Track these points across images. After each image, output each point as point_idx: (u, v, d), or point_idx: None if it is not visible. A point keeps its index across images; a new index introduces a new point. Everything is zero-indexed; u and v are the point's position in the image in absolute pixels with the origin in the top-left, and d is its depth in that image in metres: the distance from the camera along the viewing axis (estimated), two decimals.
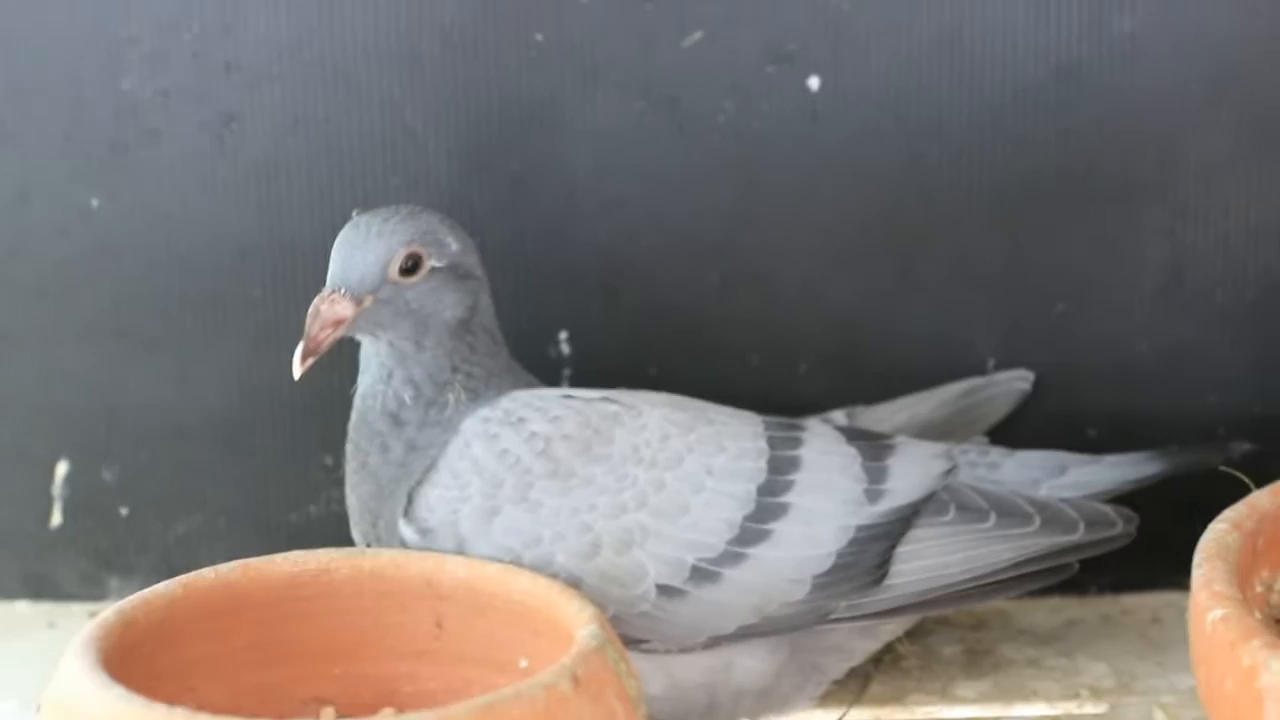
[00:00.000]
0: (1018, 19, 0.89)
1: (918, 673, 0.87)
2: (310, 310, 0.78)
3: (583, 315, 0.92)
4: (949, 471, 0.83)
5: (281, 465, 0.93)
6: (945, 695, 0.85)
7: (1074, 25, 0.89)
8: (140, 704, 0.66)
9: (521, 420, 0.80)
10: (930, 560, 0.81)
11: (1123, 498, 0.85)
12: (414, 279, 0.79)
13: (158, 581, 0.75)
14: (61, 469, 0.94)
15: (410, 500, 0.79)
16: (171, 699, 0.67)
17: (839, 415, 0.89)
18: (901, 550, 0.81)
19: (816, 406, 0.89)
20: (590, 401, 0.81)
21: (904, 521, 0.81)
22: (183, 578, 0.75)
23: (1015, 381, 0.92)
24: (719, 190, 0.91)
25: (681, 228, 0.91)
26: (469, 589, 0.76)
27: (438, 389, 0.81)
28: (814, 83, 0.90)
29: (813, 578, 0.79)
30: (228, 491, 0.94)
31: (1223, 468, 0.85)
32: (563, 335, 0.92)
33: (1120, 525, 0.83)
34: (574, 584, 0.77)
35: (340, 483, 0.84)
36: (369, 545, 0.81)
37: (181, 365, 0.93)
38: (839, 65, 0.90)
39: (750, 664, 0.80)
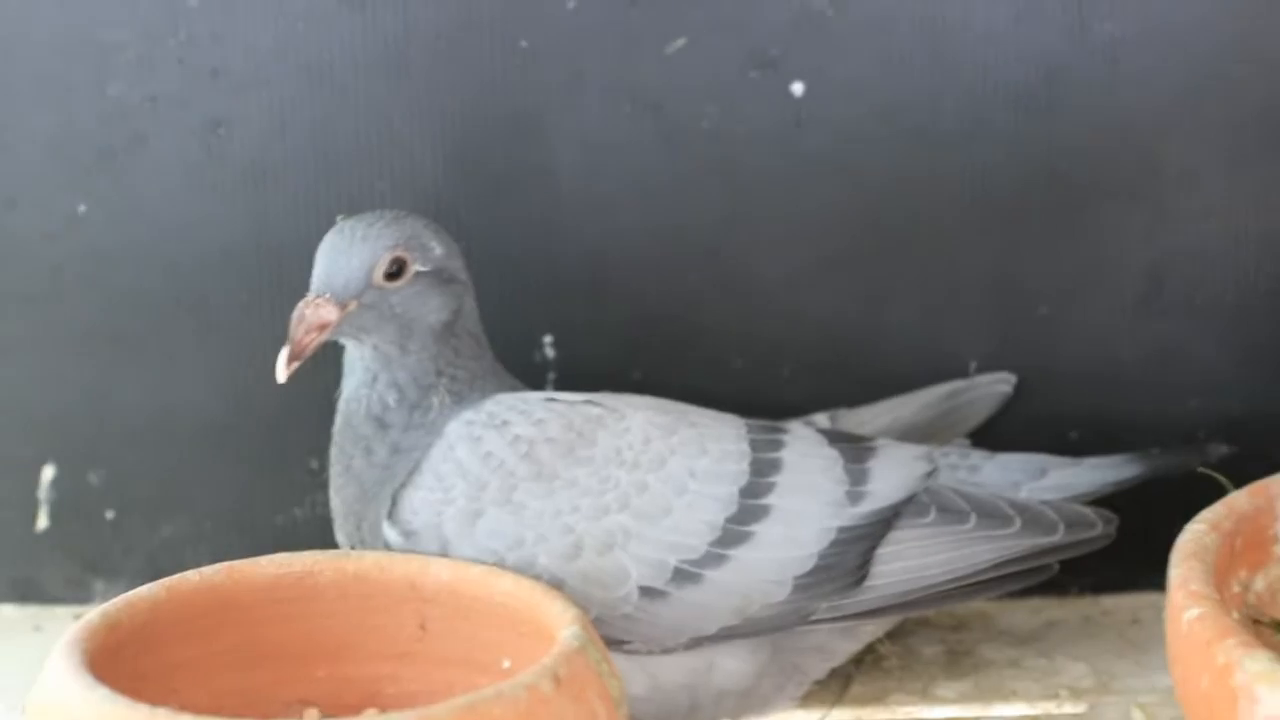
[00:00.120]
0: (1000, 24, 0.90)
1: (899, 673, 0.87)
2: (295, 314, 0.79)
3: (567, 319, 0.92)
4: (930, 473, 0.84)
5: (267, 468, 0.94)
6: (926, 695, 0.85)
7: (1057, 29, 0.90)
8: (124, 705, 0.66)
9: (505, 423, 0.81)
10: (911, 561, 0.81)
11: (1103, 499, 0.86)
12: (398, 283, 0.80)
13: (143, 584, 0.76)
14: (48, 472, 0.94)
15: (394, 503, 0.80)
16: (155, 700, 0.67)
17: (822, 418, 0.90)
18: (882, 551, 0.81)
19: (800, 409, 0.90)
20: (573, 404, 0.82)
21: (885, 523, 0.82)
22: (167, 580, 0.75)
23: (997, 384, 0.93)
24: (703, 195, 0.92)
25: (666, 232, 0.92)
26: (452, 591, 0.76)
27: (422, 392, 0.81)
28: (797, 88, 0.91)
29: (794, 579, 0.80)
30: (213, 495, 0.94)
31: (1201, 469, 0.86)
32: (547, 339, 0.93)
33: (1100, 527, 0.84)
34: (557, 585, 0.77)
35: (325, 486, 0.84)
36: (353, 548, 0.82)
37: (168, 369, 0.93)
38: (822, 70, 0.90)
39: (732, 665, 0.81)
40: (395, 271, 0.80)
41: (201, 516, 0.95)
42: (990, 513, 0.82)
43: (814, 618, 0.80)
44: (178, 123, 0.91)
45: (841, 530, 0.81)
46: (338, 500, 0.83)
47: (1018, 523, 0.82)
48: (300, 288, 0.80)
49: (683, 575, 0.79)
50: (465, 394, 0.82)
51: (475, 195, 0.91)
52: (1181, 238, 0.92)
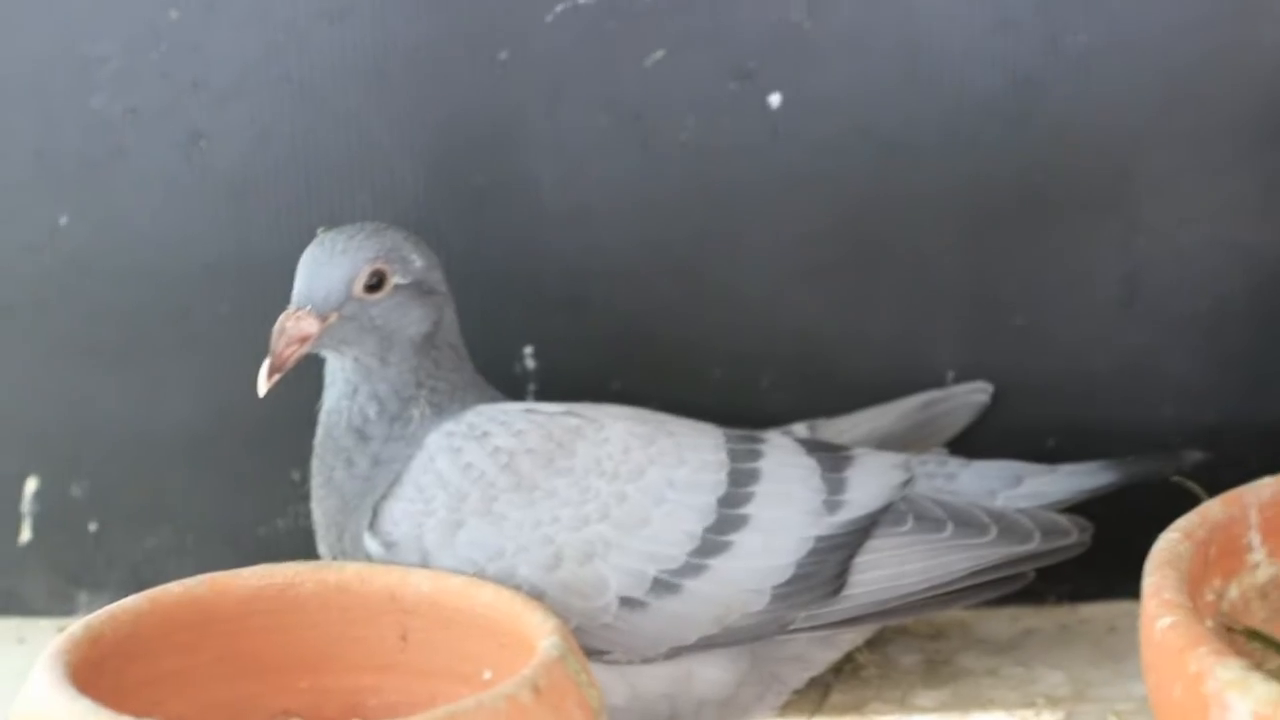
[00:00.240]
0: (975, 34, 0.90)
1: (877, 682, 0.88)
2: (276, 327, 0.79)
3: (547, 330, 0.93)
4: (907, 482, 0.84)
5: (249, 480, 0.94)
6: (904, 704, 0.86)
7: (1031, 40, 0.90)
8: (108, 717, 0.66)
9: (485, 434, 0.81)
10: (888, 570, 0.82)
11: (1079, 507, 0.87)
12: (378, 296, 0.80)
13: (126, 596, 0.76)
14: (31, 485, 0.95)
15: (375, 514, 0.80)
16: (139, 713, 0.68)
17: (800, 428, 0.90)
18: (860, 560, 0.82)
19: (779, 419, 0.91)
20: (553, 415, 0.82)
21: (862, 532, 0.82)
22: (149, 592, 0.75)
23: (974, 393, 0.93)
24: (682, 206, 0.92)
25: (645, 243, 0.92)
26: (433, 602, 0.77)
27: (402, 404, 0.82)
28: (775, 99, 0.91)
29: (772, 588, 0.80)
30: (196, 506, 0.95)
31: (1176, 478, 0.87)
32: (528, 350, 0.93)
33: (1075, 535, 0.85)
34: (537, 596, 0.77)
35: (307, 497, 0.84)
36: (335, 559, 0.82)
37: (150, 381, 0.94)
38: (799, 82, 0.91)
39: (711, 674, 0.81)
40: (375, 284, 0.80)
41: (184, 528, 0.95)
42: (967, 521, 0.83)
43: (793, 627, 0.81)
44: (159, 135, 0.91)
45: (819, 539, 0.81)
46: (319, 512, 0.83)
47: (994, 531, 0.83)
48: (281, 300, 0.80)
49: (662, 585, 0.79)
50: (446, 405, 0.82)
51: (455, 207, 0.92)
52: (1156, 247, 0.93)
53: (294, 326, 0.79)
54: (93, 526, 0.95)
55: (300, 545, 0.90)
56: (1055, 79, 0.91)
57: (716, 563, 0.80)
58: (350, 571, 0.78)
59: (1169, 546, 0.78)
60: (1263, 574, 0.83)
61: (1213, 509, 0.81)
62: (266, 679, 0.76)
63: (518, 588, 0.77)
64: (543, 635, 0.72)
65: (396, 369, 0.81)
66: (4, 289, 0.93)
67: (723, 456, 0.82)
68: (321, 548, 0.83)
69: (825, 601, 0.81)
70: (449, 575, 0.78)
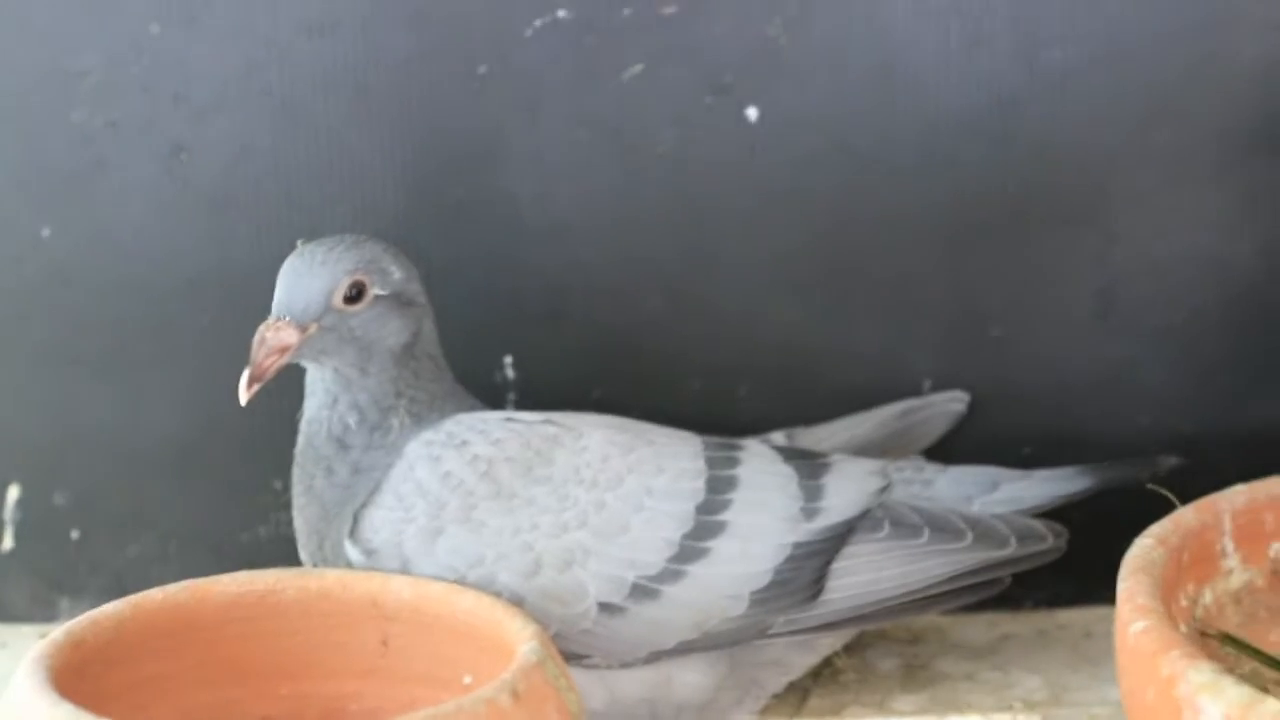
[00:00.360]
0: (952, 49, 0.91)
1: (855, 687, 0.88)
2: (256, 338, 0.80)
3: (527, 341, 0.93)
4: (884, 489, 0.85)
5: (231, 489, 0.94)
6: (882, 708, 0.86)
7: (1007, 57, 0.91)
8: None
9: (464, 443, 0.82)
10: (865, 575, 0.83)
11: (1056, 514, 0.87)
12: (358, 307, 0.81)
13: (108, 603, 0.77)
14: (13, 493, 0.95)
15: (355, 521, 0.81)
16: (121, 717, 0.68)
17: (779, 436, 0.91)
18: (837, 566, 0.82)
19: (757, 428, 0.91)
20: (532, 424, 0.83)
21: (840, 538, 0.83)
22: (131, 598, 0.76)
23: (951, 403, 0.94)
24: (660, 218, 0.93)
25: (624, 255, 0.93)
26: (414, 608, 0.77)
27: (382, 414, 0.82)
28: (752, 113, 0.92)
29: (751, 594, 0.81)
30: (178, 514, 0.95)
31: (1151, 486, 0.87)
32: (508, 360, 0.94)
33: (1051, 540, 0.85)
34: (517, 602, 0.78)
35: (289, 505, 0.85)
36: (316, 566, 0.83)
37: (132, 391, 0.94)
38: (776, 96, 0.92)
39: (690, 678, 0.82)
40: (354, 295, 0.81)
41: (166, 536, 0.95)
42: (943, 527, 0.84)
43: (771, 632, 0.82)
44: (141, 148, 0.92)
45: (797, 546, 0.82)
46: (300, 520, 0.83)
47: (970, 537, 0.84)
48: (262, 311, 0.81)
49: (641, 591, 0.80)
50: (425, 415, 0.83)
51: (435, 220, 0.92)
52: (1132, 260, 0.93)
53: (274, 337, 0.80)
54: (75, 534, 0.95)
55: (282, 553, 0.91)
56: (1031, 94, 0.92)
57: (695, 569, 0.81)
58: (331, 578, 0.78)
59: (1143, 553, 0.79)
60: (1236, 580, 0.83)
61: (1186, 516, 0.82)
62: (248, 685, 0.77)
63: (497, 594, 0.78)
64: (522, 641, 0.73)
65: (376, 379, 0.82)
66: None
67: (701, 464, 0.83)
68: (303, 555, 0.84)
69: (803, 607, 0.82)
70: (429, 582, 0.78)
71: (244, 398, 0.80)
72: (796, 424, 0.92)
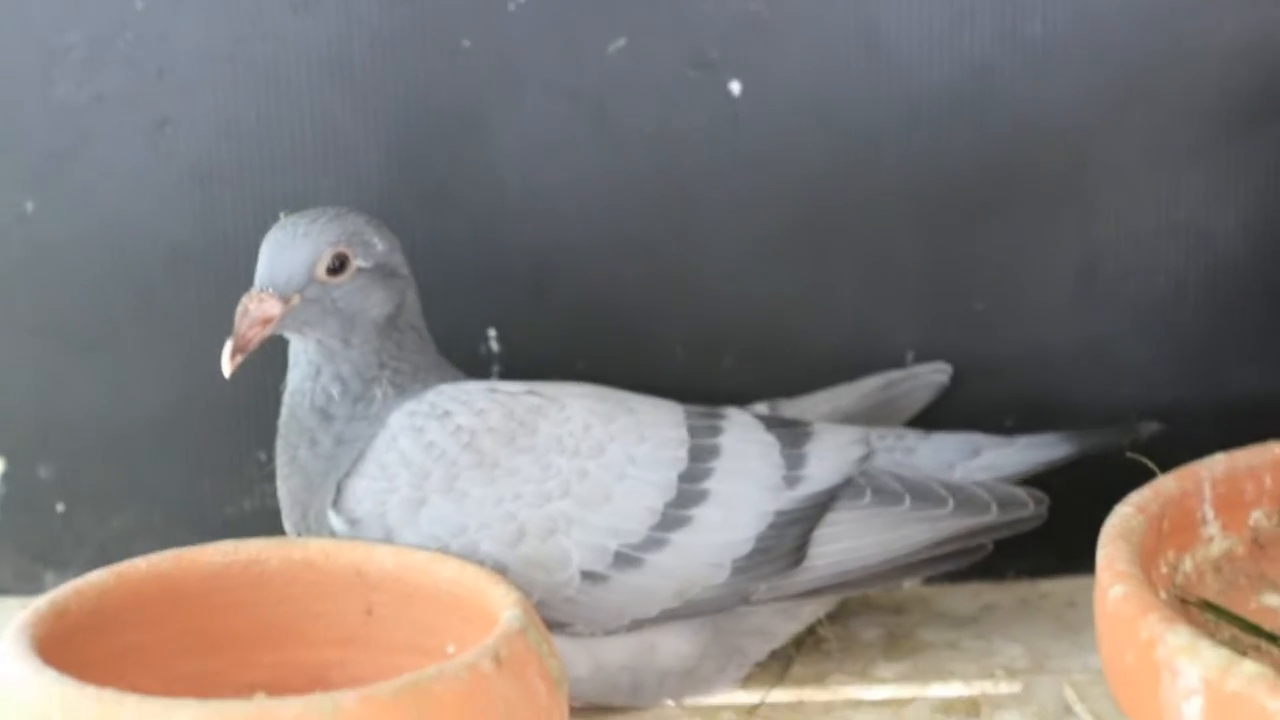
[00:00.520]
0: (933, 22, 0.92)
1: (838, 655, 0.89)
2: (239, 309, 0.80)
3: (511, 313, 0.94)
4: (866, 457, 0.85)
5: (216, 461, 0.95)
6: (865, 676, 0.87)
7: (988, 31, 0.92)
8: (72, 686, 0.67)
9: (447, 413, 0.82)
10: (847, 543, 0.83)
11: (1037, 483, 0.88)
12: (340, 278, 0.81)
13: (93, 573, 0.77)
14: None
15: (339, 491, 0.81)
16: (105, 686, 0.68)
17: (762, 407, 0.91)
18: (820, 533, 0.83)
19: (741, 399, 0.92)
20: (514, 394, 0.83)
21: (822, 506, 0.83)
22: (115, 567, 0.76)
23: (934, 374, 0.94)
24: (644, 191, 0.93)
25: (607, 227, 0.93)
26: (397, 577, 0.78)
27: (365, 385, 0.83)
28: (735, 87, 0.92)
29: (733, 561, 0.81)
30: (163, 487, 0.95)
31: (1132, 455, 0.87)
32: (491, 333, 0.94)
33: (1031, 506, 0.86)
34: (500, 571, 0.78)
35: (273, 478, 0.85)
36: (300, 536, 0.83)
37: (117, 364, 0.94)
38: (759, 70, 0.92)
39: (673, 646, 0.82)
40: (337, 267, 0.81)
41: (151, 508, 0.96)
42: (924, 494, 0.84)
43: (754, 599, 0.82)
44: (125, 122, 0.92)
45: (779, 514, 0.82)
46: (284, 490, 0.84)
47: (951, 503, 0.84)
48: (246, 284, 0.81)
49: (623, 559, 0.80)
50: (408, 386, 0.83)
51: (419, 192, 0.93)
52: (1113, 232, 0.94)
53: (257, 308, 0.80)
54: (60, 507, 0.96)
55: (267, 525, 0.91)
56: (1013, 68, 0.92)
57: (677, 537, 0.81)
58: (315, 548, 0.79)
59: (1122, 520, 0.79)
60: (1216, 547, 0.84)
61: (1166, 484, 0.82)
62: (232, 654, 0.77)
63: (481, 563, 0.78)
64: (504, 608, 0.73)
65: (359, 350, 0.82)
66: None
67: (683, 433, 0.83)
68: (287, 525, 0.84)
69: (786, 574, 0.82)
70: (413, 551, 0.78)
71: (227, 369, 0.80)
72: (780, 395, 0.93)
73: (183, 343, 0.94)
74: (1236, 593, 0.82)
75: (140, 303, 0.94)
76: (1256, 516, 0.85)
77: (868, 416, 0.92)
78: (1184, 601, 0.81)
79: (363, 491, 0.81)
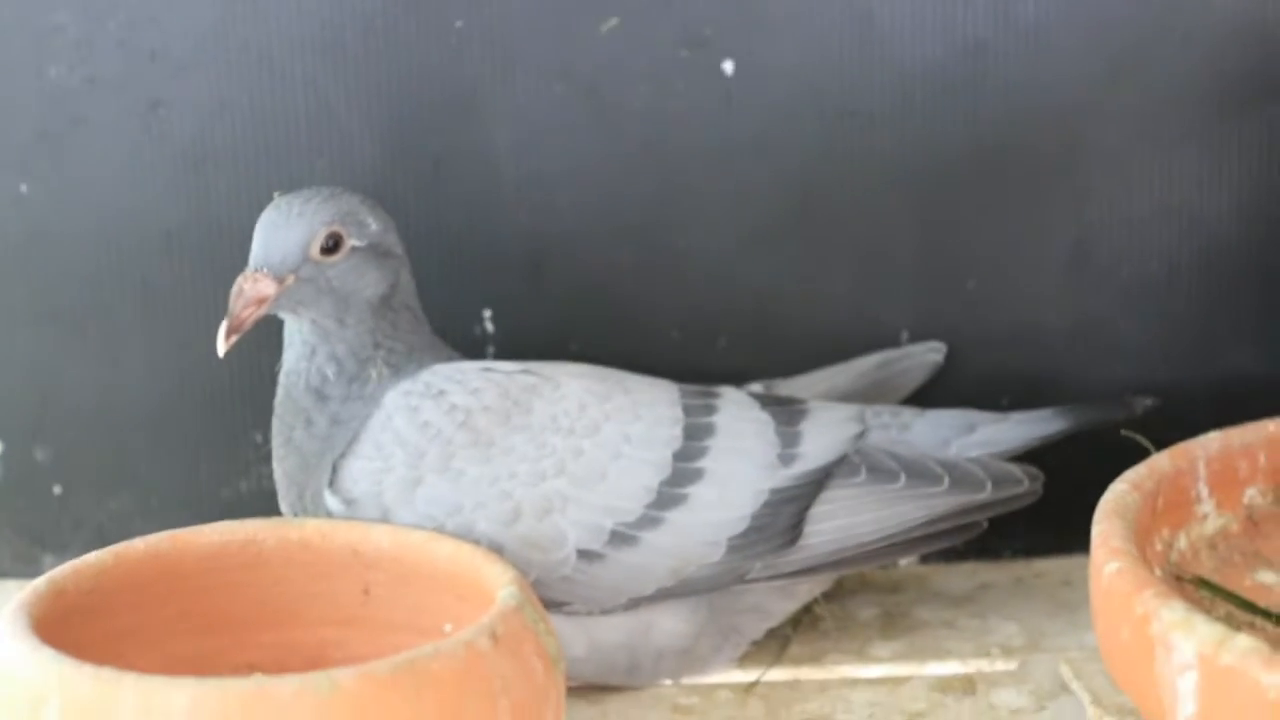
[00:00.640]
0: (926, 5, 0.91)
1: (835, 634, 0.89)
2: (234, 289, 0.80)
3: (505, 294, 0.94)
4: (860, 434, 0.85)
5: (212, 443, 0.95)
6: (862, 655, 0.87)
7: (981, 11, 0.92)
8: (70, 665, 0.67)
9: (442, 393, 0.82)
10: (843, 520, 0.83)
11: (1034, 460, 0.88)
12: (335, 258, 0.81)
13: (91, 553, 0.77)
14: None
15: (335, 472, 0.81)
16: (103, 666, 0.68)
17: (757, 387, 0.91)
18: (815, 511, 0.83)
19: (736, 379, 0.92)
20: (509, 374, 0.83)
21: (817, 484, 0.83)
22: (113, 548, 0.76)
23: (928, 353, 0.94)
24: (638, 171, 0.93)
25: (601, 207, 0.93)
26: (394, 557, 0.78)
27: (360, 365, 0.83)
28: (728, 66, 0.92)
29: (728, 540, 0.82)
30: (159, 469, 0.95)
31: (1126, 433, 0.88)
32: (486, 314, 0.94)
33: (1026, 483, 0.86)
34: (496, 550, 0.79)
35: (269, 459, 0.85)
36: (296, 517, 0.83)
37: (112, 346, 0.94)
38: (752, 49, 0.92)
39: (670, 625, 0.82)
40: (331, 246, 0.81)
41: (148, 491, 0.96)
42: (920, 472, 0.84)
43: (749, 577, 0.82)
44: (117, 104, 0.92)
45: (774, 492, 0.83)
46: (280, 471, 0.84)
47: (946, 481, 0.84)
48: (240, 266, 0.81)
49: (619, 538, 0.81)
50: (403, 366, 0.83)
51: (413, 173, 0.93)
52: (1106, 212, 0.94)
53: (251, 288, 0.80)
54: (57, 490, 0.96)
55: (263, 507, 0.91)
56: (1006, 48, 0.92)
57: (673, 515, 0.81)
58: (311, 528, 0.79)
59: (1117, 497, 0.79)
60: (1211, 525, 0.84)
61: (1161, 462, 0.83)
62: (230, 634, 0.77)
63: (476, 542, 0.79)
64: (500, 586, 0.73)
65: (354, 330, 0.82)
66: None
67: (678, 412, 0.83)
68: (283, 506, 0.84)
69: (781, 552, 0.82)
70: (409, 531, 0.79)
71: (222, 349, 0.80)
72: (775, 375, 0.93)
73: (178, 324, 0.94)
74: (1231, 570, 0.83)
75: (135, 284, 0.94)
76: (1251, 494, 0.85)
77: (863, 396, 0.92)
78: (1179, 579, 0.81)
79: (359, 472, 0.81)
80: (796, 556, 0.83)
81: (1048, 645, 0.88)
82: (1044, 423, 0.89)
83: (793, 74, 0.92)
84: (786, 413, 0.85)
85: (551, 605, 0.79)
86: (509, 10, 0.91)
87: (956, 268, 0.95)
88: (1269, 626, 0.78)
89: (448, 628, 0.76)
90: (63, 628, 0.72)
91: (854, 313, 0.95)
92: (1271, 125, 0.93)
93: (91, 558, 0.76)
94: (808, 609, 0.89)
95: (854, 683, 0.85)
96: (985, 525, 0.86)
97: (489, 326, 0.94)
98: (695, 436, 0.83)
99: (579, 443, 0.81)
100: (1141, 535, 0.78)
